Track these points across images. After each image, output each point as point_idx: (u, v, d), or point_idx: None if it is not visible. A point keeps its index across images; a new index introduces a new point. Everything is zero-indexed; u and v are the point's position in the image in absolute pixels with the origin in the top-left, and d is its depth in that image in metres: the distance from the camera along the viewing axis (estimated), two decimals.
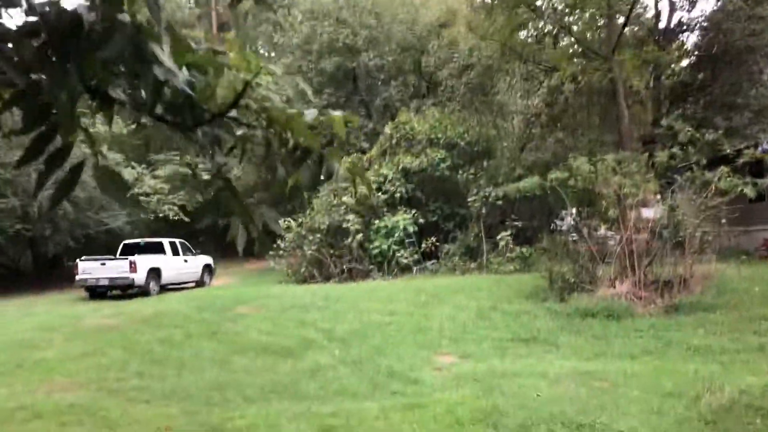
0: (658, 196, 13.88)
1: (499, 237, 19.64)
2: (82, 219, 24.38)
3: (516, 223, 20.07)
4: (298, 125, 2.03)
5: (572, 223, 15.66)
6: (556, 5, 19.62)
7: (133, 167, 28.01)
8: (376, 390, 7.86)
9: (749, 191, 11.85)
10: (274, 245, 22.68)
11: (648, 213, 13.05)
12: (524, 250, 19.23)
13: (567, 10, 19.82)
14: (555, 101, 22.11)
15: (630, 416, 6.09)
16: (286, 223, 22.62)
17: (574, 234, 14.93)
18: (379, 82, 31.45)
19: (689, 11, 23.55)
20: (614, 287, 12.34)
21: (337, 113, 2.21)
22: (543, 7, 19.59)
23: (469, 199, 20.86)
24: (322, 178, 2.22)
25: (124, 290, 19.35)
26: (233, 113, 2.09)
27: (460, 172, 21.94)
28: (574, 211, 15.31)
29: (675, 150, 12.86)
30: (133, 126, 2.19)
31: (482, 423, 6.04)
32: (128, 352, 10.42)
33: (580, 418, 5.98)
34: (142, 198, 27.82)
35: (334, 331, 11.37)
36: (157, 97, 1.83)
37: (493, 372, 8.26)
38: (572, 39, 20.72)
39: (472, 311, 12.49)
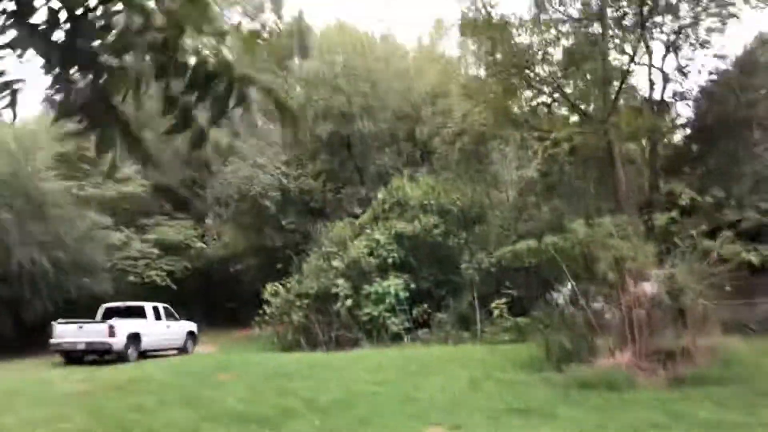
0: (656, 270, 13.37)
1: (493, 306, 18.97)
2: (64, 283, 23.52)
3: (511, 292, 19.44)
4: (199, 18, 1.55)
5: (569, 294, 15.06)
6: (550, 72, 19.60)
7: (121, 230, 27.49)
8: None
9: (753, 258, 11.42)
10: (261, 312, 22.01)
11: (647, 287, 12.54)
12: (519, 320, 18.49)
13: (561, 77, 19.80)
14: (550, 169, 21.90)
15: None
16: (274, 288, 21.99)
17: (571, 306, 14.37)
18: (374, 149, 31.45)
19: (682, 83, 23.66)
20: (614, 358, 11.71)
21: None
22: (537, 75, 19.58)
23: (461, 266, 20.31)
24: (231, 106, 1.75)
25: (101, 355, 18.42)
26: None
27: (453, 237, 21.49)
28: (570, 285, 14.73)
29: (674, 214, 12.49)
30: None
31: None
32: (94, 418, 9.77)
33: None
34: (130, 262, 27.22)
35: (317, 401, 10.68)
36: None
37: None
38: (567, 106, 20.68)
39: (464, 381, 11.85)
